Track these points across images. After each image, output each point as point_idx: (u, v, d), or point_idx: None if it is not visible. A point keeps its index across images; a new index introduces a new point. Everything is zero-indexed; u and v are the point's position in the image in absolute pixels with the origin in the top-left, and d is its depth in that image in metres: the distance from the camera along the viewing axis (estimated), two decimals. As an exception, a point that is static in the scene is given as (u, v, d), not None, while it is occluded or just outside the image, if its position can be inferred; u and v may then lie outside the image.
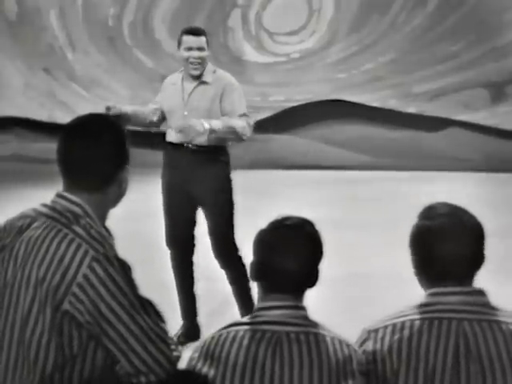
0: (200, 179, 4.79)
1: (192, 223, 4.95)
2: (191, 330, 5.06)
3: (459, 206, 2.39)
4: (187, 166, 4.78)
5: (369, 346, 2.34)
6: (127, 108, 4.75)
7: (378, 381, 2.30)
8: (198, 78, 4.80)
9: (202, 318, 5.14)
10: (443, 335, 2.26)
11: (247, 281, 4.80)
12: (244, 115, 4.78)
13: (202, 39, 4.74)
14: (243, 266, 4.84)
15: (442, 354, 2.25)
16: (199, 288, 5.14)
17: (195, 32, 4.76)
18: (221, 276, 5.06)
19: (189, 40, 4.72)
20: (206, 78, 4.80)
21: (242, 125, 4.72)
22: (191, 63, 4.74)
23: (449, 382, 2.23)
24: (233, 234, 4.89)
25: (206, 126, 4.53)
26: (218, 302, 5.49)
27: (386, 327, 2.34)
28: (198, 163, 4.77)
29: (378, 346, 2.31)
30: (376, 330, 2.35)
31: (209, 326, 5.00)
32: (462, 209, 2.38)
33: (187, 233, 4.96)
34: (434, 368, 2.24)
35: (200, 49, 4.72)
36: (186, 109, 4.80)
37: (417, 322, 2.30)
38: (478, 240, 2.34)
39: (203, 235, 4.97)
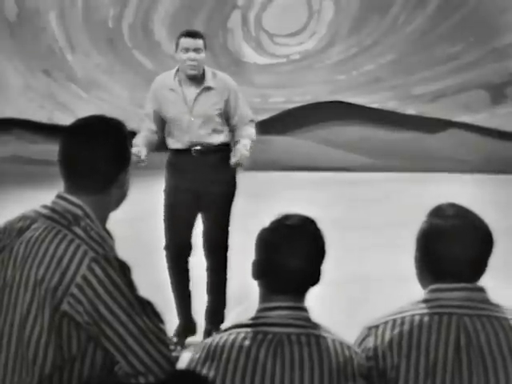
0: (208, 180, 4.82)
1: (192, 226, 4.99)
2: (187, 326, 5.08)
3: (471, 210, 2.41)
4: (195, 168, 4.84)
5: (369, 342, 2.34)
6: (141, 143, 4.73)
7: (379, 377, 2.30)
8: (201, 83, 4.83)
9: (199, 319, 5.13)
10: (444, 329, 2.27)
11: (225, 280, 5.03)
12: (252, 121, 5.00)
13: (199, 41, 4.80)
14: (226, 267, 5.03)
15: (443, 348, 2.26)
16: (197, 289, 5.14)
17: (192, 34, 4.84)
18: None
19: (186, 42, 4.78)
20: (209, 82, 4.84)
21: (254, 132, 4.99)
22: (188, 65, 4.76)
23: (451, 374, 2.24)
24: (227, 235, 4.98)
25: (248, 147, 4.83)
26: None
27: (386, 323, 2.34)
28: (205, 165, 4.84)
29: (379, 341, 2.32)
30: (376, 326, 2.36)
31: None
32: (473, 213, 2.40)
33: (188, 235, 4.97)
34: (435, 362, 2.25)
35: (196, 50, 4.76)
36: (192, 115, 4.83)
37: (417, 317, 2.30)
38: (486, 245, 2.36)
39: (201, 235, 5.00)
